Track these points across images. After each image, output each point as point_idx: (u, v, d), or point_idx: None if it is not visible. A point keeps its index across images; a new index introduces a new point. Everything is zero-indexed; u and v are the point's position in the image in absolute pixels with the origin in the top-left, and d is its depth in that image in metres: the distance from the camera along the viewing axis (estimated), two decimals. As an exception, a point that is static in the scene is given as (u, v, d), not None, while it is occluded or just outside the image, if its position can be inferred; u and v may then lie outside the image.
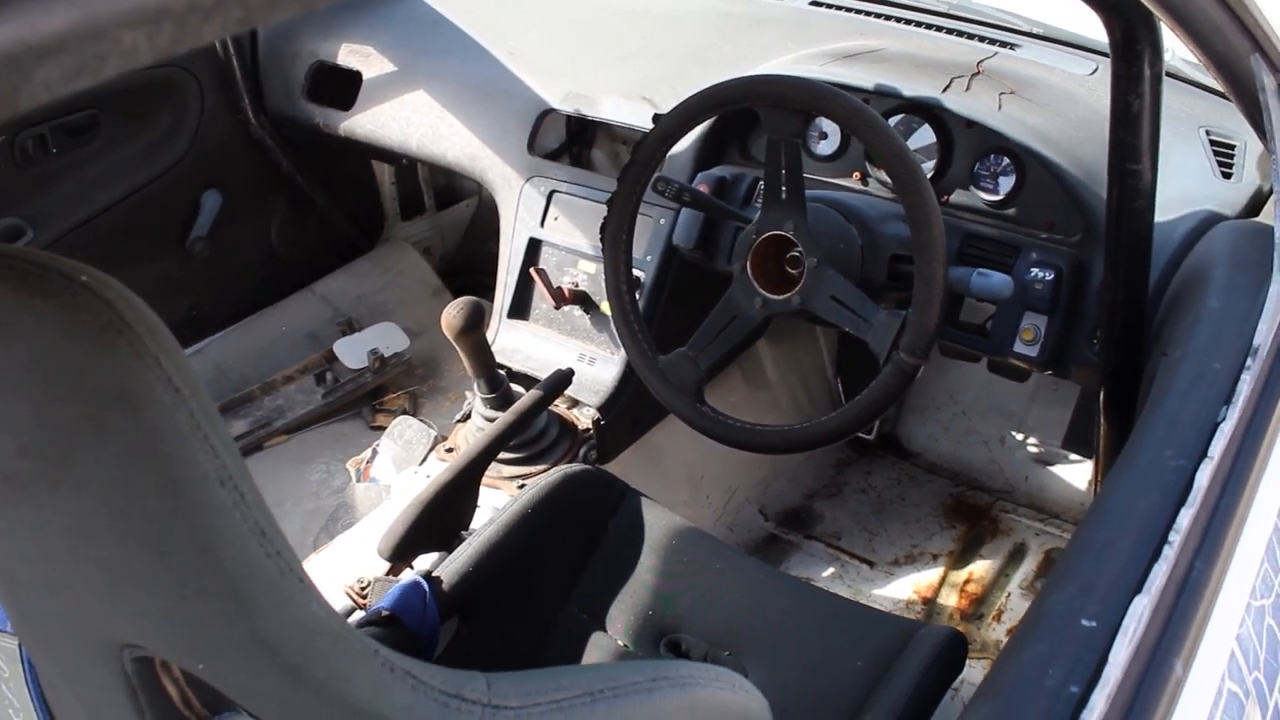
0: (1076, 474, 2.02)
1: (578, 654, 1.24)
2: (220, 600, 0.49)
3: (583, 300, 1.68)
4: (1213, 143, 1.43)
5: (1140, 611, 0.68)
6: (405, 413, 2.05)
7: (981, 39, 1.66)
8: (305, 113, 2.06)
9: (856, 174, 1.54)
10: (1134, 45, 0.98)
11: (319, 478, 1.99)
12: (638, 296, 1.54)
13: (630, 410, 1.68)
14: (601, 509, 1.34)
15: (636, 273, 1.61)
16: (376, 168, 2.41)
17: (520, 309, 1.75)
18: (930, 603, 1.87)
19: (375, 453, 1.82)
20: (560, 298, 1.67)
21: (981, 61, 1.53)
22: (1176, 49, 1.37)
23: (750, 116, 1.58)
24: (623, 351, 1.59)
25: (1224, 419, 0.86)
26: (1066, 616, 0.68)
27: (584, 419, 1.65)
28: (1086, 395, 1.89)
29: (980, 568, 1.92)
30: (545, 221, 1.73)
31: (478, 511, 1.38)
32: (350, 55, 2.02)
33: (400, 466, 1.76)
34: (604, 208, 1.42)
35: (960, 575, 1.91)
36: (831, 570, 1.95)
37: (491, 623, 1.23)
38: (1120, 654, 0.65)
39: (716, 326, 1.35)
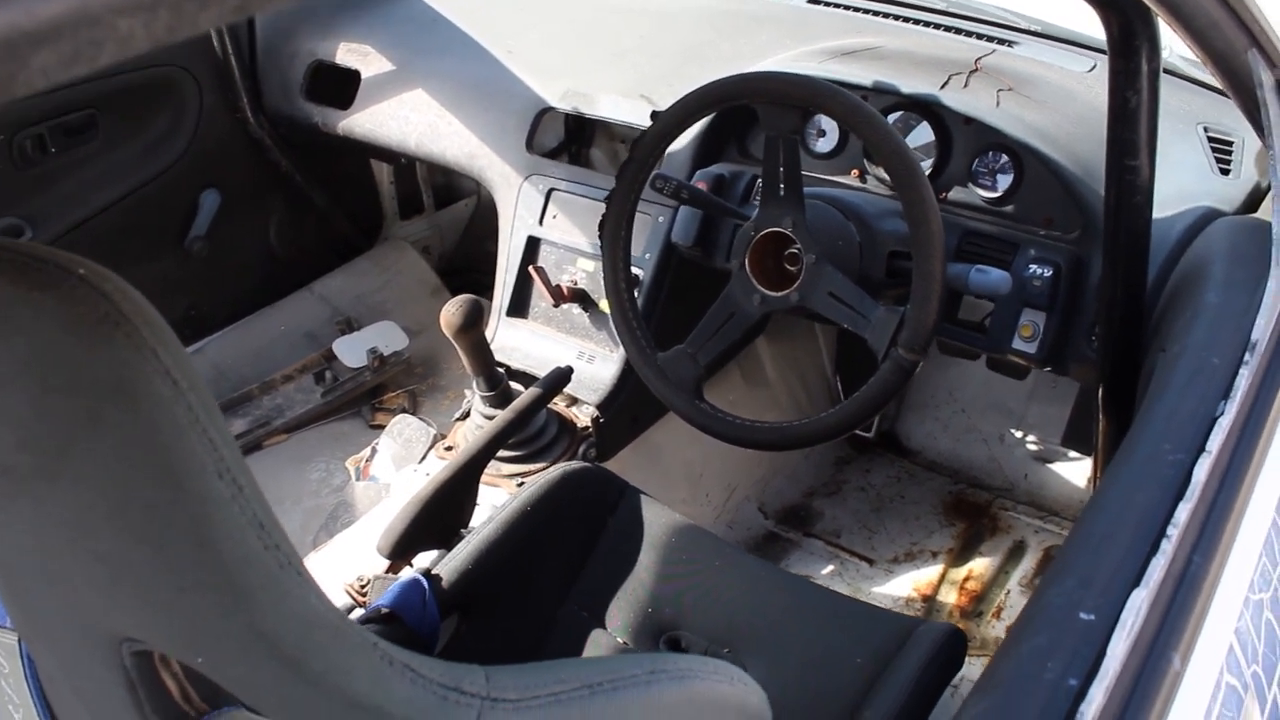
0: (1076, 471, 2.02)
1: (577, 651, 1.24)
2: (218, 593, 0.49)
3: (581, 298, 1.68)
4: (1211, 139, 1.43)
5: (1138, 605, 0.68)
6: (404, 411, 2.05)
7: (980, 36, 1.66)
8: (304, 112, 2.06)
9: (855, 171, 1.54)
10: (1131, 41, 0.98)
11: (318, 476, 1.99)
12: (636, 294, 1.54)
13: (629, 408, 1.68)
14: (601, 506, 1.34)
15: (635, 271, 1.61)
16: (375, 167, 2.41)
17: (519, 307, 1.75)
18: (930, 600, 1.87)
19: (374, 451, 1.82)
20: (559, 296, 1.67)
21: (980, 59, 1.53)
22: (1175, 46, 1.38)
23: (749, 114, 1.59)
24: (621, 349, 1.59)
25: (1222, 414, 0.86)
26: (1065, 610, 0.68)
27: (583, 417, 1.65)
28: (1085, 392, 1.89)
29: (980, 565, 1.92)
30: (544, 220, 1.73)
31: (477, 509, 1.38)
32: (349, 54, 2.02)
33: (400, 465, 1.76)
34: (602, 205, 1.42)
35: (960, 573, 1.91)
36: (831, 568, 1.95)
37: (491, 620, 1.23)
38: (1119, 647, 0.65)
39: (715, 323, 1.35)
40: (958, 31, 1.69)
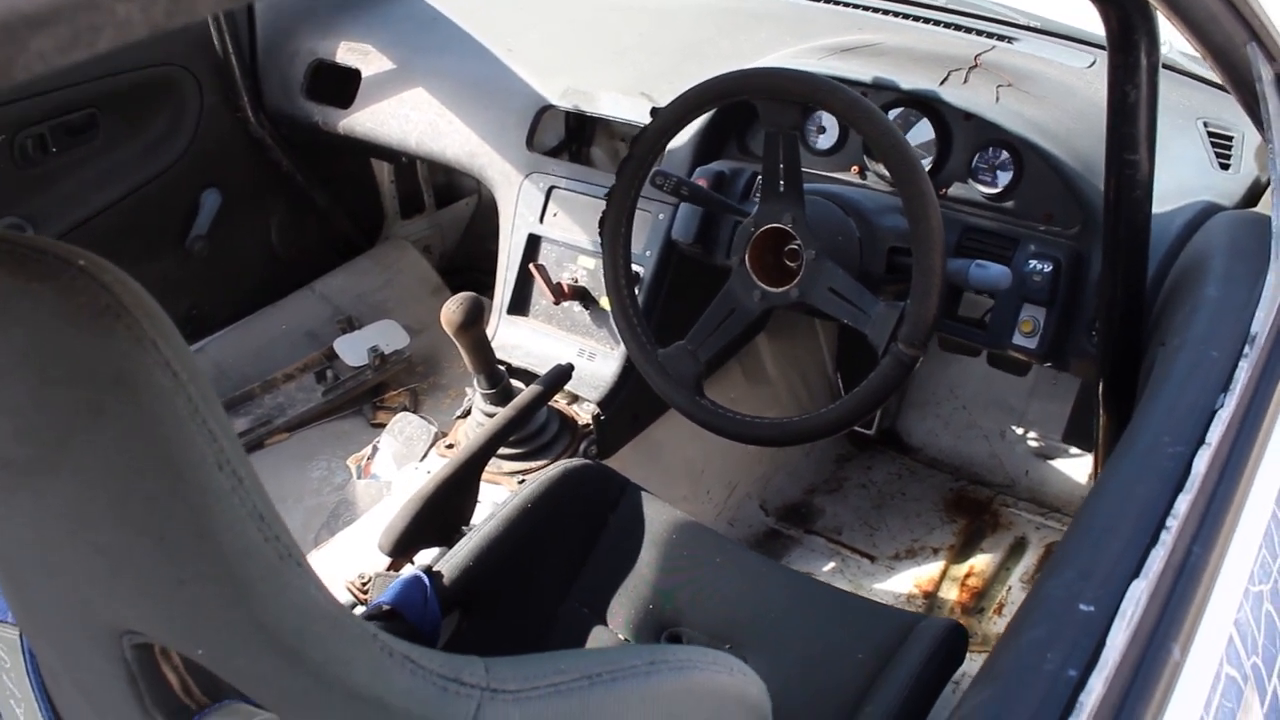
0: (1077, 467, 2.02)
1: (578, 647, 1.24)
2: (218, 585, 0.49)
3: (582, 296, 1.68)
4: (1210, 134, 1.43)
5: (1138, 596, 0.68)
6: (405, 410, 2.05)
7: (979, 33, 1.66)
8: (304, 111, 2.06)
9: (855, 168, 1.54)
10: (1130, 35, 0.98)
11: (320, 475, 1.99)
12: (637, 291, 1.55)
13: (630, 405, 1.69)
14: (602, 503, 1.34)
15: (636, 268, 1.61)
16: (376, 166, 2.42)
17: (520, 305, 1.75)
18: (931, 597, 1.87)
19: (376, 449, 1.82)
20: (560, 293, 1.67)
21: (979, 55, 1.54)
22: (1175, 41, 1.38)
23: (748, 111, 1.59)
24: (622, 347, 1.59)
25: (1222, 406, 0.86)
26: (1065, 601, 0.69)
27: (584, 414, 1.65)
28: (1086, 389, 1.89)
29: (981, 562, 1.92)
30: (544, 217, 1.73)
31: (478, 507, 1.38)
32: (349, 53, 2.02)
33: (401, 463, 1.76)
34: (603, 203, 1.42)
35: (961, 569, 1.91)
36: (832, 565, 1.95)
37: (492, 617, 1.24)
38: (1118, 638, 0.65)
39: (715, 320, 1.35)
40: (957, 28, 1.69)
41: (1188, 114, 1.46)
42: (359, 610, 1.26)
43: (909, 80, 1.47)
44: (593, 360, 1.67)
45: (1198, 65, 1.52)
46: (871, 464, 2.18)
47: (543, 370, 1.49)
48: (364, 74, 1.99)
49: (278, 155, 2.17)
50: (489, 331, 1.70)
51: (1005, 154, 1.41)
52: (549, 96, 1.76)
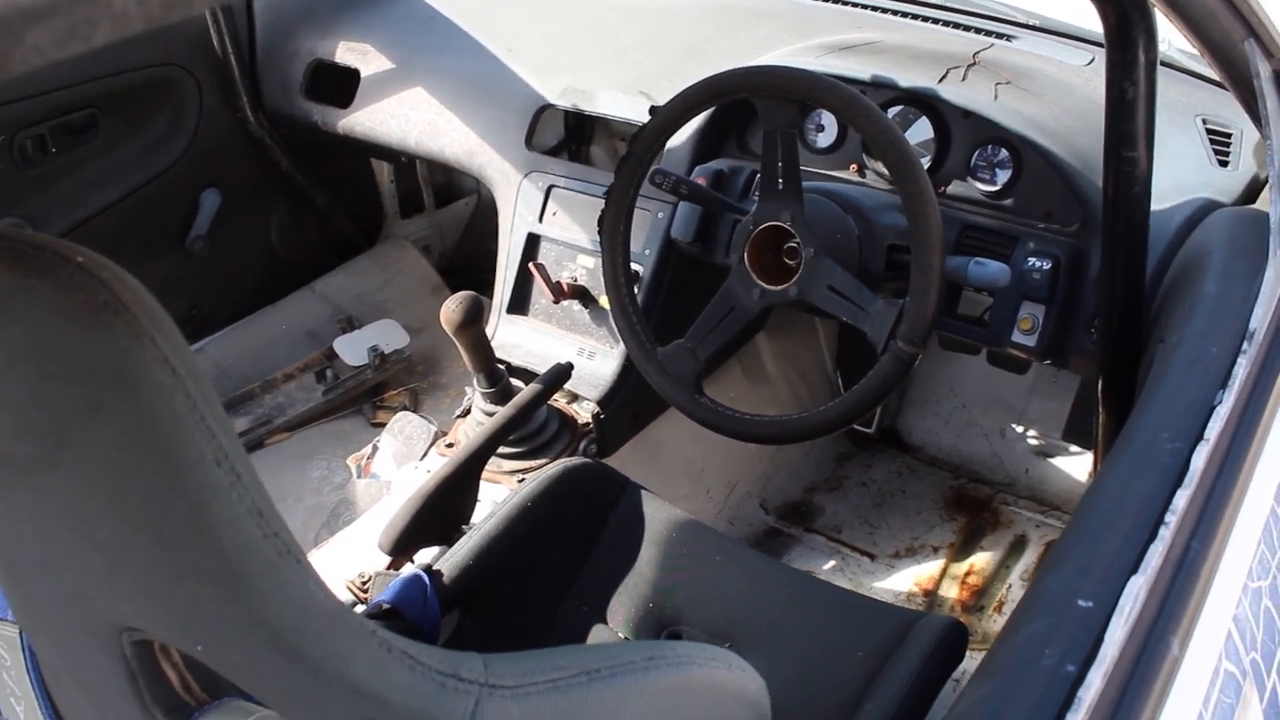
0: (1077, 465, 2.02)
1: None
2: (217, 581, 0.49)
3: (582, 295, 1.68)
4: (1209, 131, 1.43)
5: (1136, 591, 0.68)
6: (405, 409, 2.05)
7: (978, 31, 1.67)
8: (304, 111, 2.07)
9: (854, 166, 1.54)
10: (1128, 31, 0.98)
11: (320, 474, 1.99)
12: (636, 290, 1.55)
13: (630, 404, 1.69)
14: (602, 502, 1.34)
15: (635, 267, 1.61)
16: (375, 166, 2.42)
17: (519, 304, 1.75)
18: (931, 595, 1.87)
19: (376, 449, 1.82)
20: (559, 292, 1.67)
21: (978, 53, 1.54)
22: (1174, 39, 1.38)
23: (747, 109, 1.59)
24: (622, 345, 1.59)
25: (1220, 402, 0.86)
26: (1063, 597, 0.69)
27: (584, 413, 1.65)
28: (1086, 387, 1.89)
29: (981, 560, 1.92)
30: (544, 217, 1.73)
31: (478, 506, 1.38)
32: (348, 53, 2.02)
33: (401, 462, 1.76)
34: (602, 202, 1.42)
35: (961, 567, 1.91)
36: (832, 563, 1.95)
37: (492, 615, 1.24)
38: (1117, 633, 0.65)
39: (714, 318, 1.35)
40: (956, 26, 1.70)
41: (1186, 111, 1.46)
42: (359, 609, 1.26)
43: (907, 78, 1.47)
44: (592, 359, 1.67)
45: (1196, 62, 1.52)
46: (872, 462, 2.18)
47: (542, 369, 1.49)
48: (363, 74, 1.99)
49: (277, 155, 2.17)
50: (488, 330, 1.71)
51: (1004, 152, 1.41)
52: (548, 96, 1.76)
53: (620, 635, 1.24)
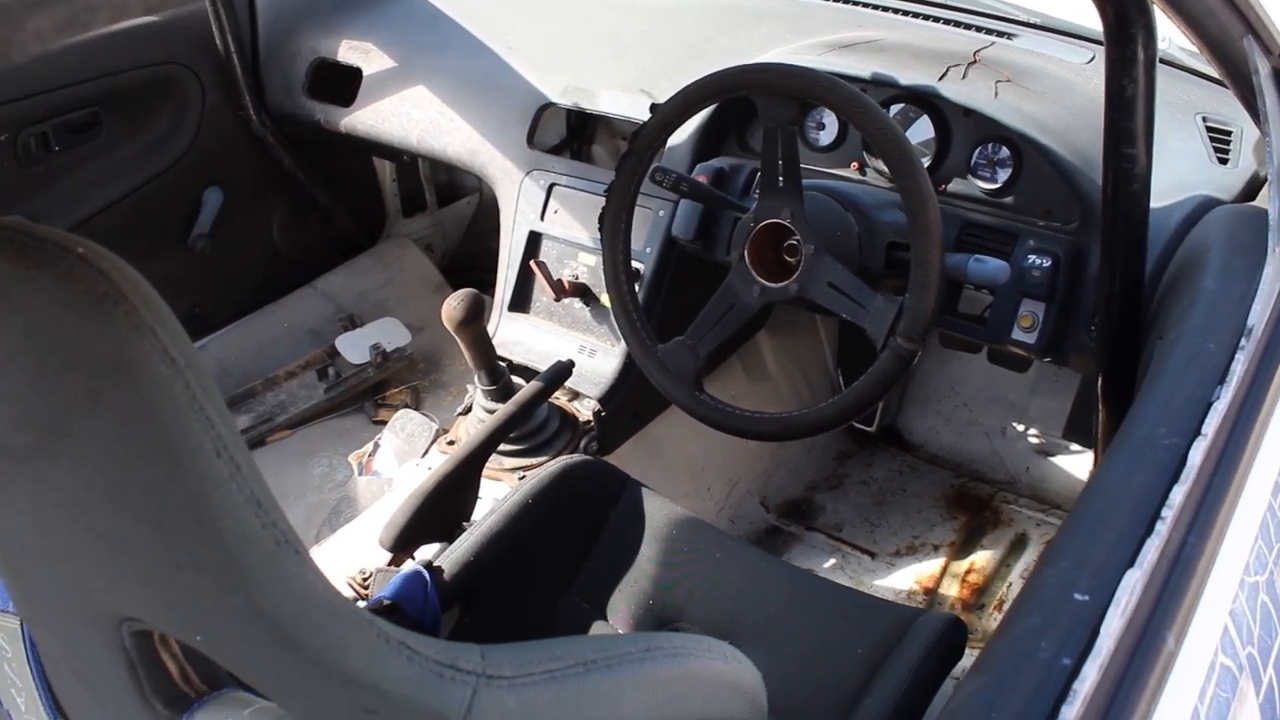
0: (1077, 464, 2.02)
1: (578, 642, 1.24)
2: (216, 570, 0.49)
3: (583, 293, 1.68)
4: (1209, 129, 1.43)
5: (1132, 585, 0.68)
6: (407, 407, 2.06)
7: (978, 29, 1.67)
8: (306, 110, 2.07)
9: (854, 164, 1.54)
10: (1127, 29, 0.98)
11: (321, 472, 2.00)
12: (637, 288, 1.55)
13: (631, 402, 1.69)
14: (602, 499, 1.35)
15: (636, 265, 1.61)
16: (378, 164, 2.42)
17: (521, 302, 1.76)
18: (931, 593, 1.87)
19: (377, 446, 1.82)
20: (560, 290, 1.67)
21: (978, 51, 1.54)
22: (1173, 37, 1.38)
23: (748, 107, 1.59)
24: (623, 343, 1.59)
25: (1218, 398, 0.86)
26: (1059, 590, 0.69)
27: (585, 411, 1.66)
28: (1087, 385, 1.89)
29: (981, 558, 1.92)
30: (545, 215, 1.74)
31: (479, 503, 1.38)
32: (350, 52, 2.03)
33: (402, 459, 1.77)
34: (603, 200, 1.42)
35: (961, 566, 1.91)
36: (833, 561, 1.95)
37: (493, 611, 1.24)
38: (1112, 626, 0.65)
39: (715, 315, 1.35)
40: (957, 24, 1.70)
41: (1186, 109, 1.46)
42: (360, 605, 1.26)
43: (908, 76, 1.47)
44: (593, 357, 1.67)
45: (1197, 60, 1.52)
46: (872, 461, 2.18)
47: (543, 367, 1.49)
48: (365, 72, 2.00)
49: (279, 153, 2.18)
50: (490, 328, 1.71)
51: (1004, 150, 1.41)
52: (549, 94, 1.77)
53: (620, 632, 1.24)
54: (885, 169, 1.48)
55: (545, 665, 0.55)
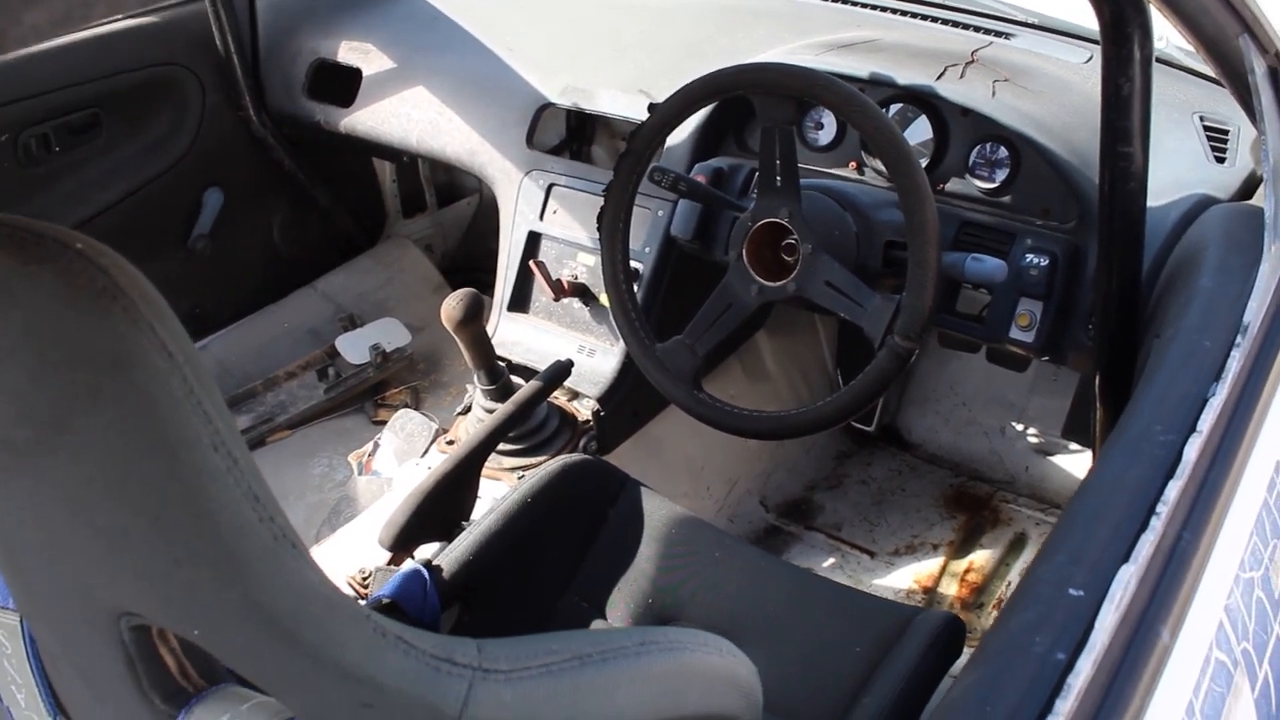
0: (1077, 463, 2.03)
1: (577, 640, 1.25)
2: (214, 564, 0.49)
3: (582, 292, 1.69)
4: (1206, 128, 1.44)
5: (1127, 580, 0.68)
6: (407, 407, 2.06)
7: (976, 29, 1.67)
8: (306, 110, 2.08)
9: (853, 163, 1.55)
10: (1123, 28, 0.98)
11: (321, 471, 2.00)
12: (636, 288, 1.55)
13: (630, 402, 1.69)
14: (601, 498, 1.35)
15: (635, 265, 1.61)
16: (378, 165, 2.43)
17: (520, 302, 1.76)
18: (931, 592, 1.87)
19: (377, 446, 1.83)
20: (560, 290, 1.68)
21: (976, 51, 1.54)
22: (1171, 36, 1.38)
23: (746, 107, 1.59)
24: (622, 343, 1.60)
25: (1213, 395, 0.86)
26: (1054, 585, 0.69)
27: (584, 410, 1.66)
28: (1085, 384, 1.89)
29: (981, 557, 1.92)
30: (544, 215, 1.74)
31: (478, 502, 1.39)
32: (350, 53, 2.03)
33: (402, 459, 1.77)
34: (602, 200, 1.43)
35: (961, 565, 1.91)
36: (832, 560, 1.95)
37: (492, 610, 1.24)
38: (1106, 621, 0.66)
39: (713, 314, 1.35)
40: (954, 24, 1.70)
41: (1184, 108, 1.47)
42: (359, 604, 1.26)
43: (905, 76, 1.47)
44: (592, 356, 1.67)
45: (1194, 60, 1.52)
46: (871, 460, 2.18)
47: (542, 366, 1.50)
48: (365, 73, 2.00)
49: (279, 154, 2.18)
50: (489, 328, 1.71)
51: (1002, 149, 1.41)
52: (549, 95, 1.77)
53: (619, 630, 1.25)
54: (883, 168, 1.48)
55: (541, 659, 0.55)
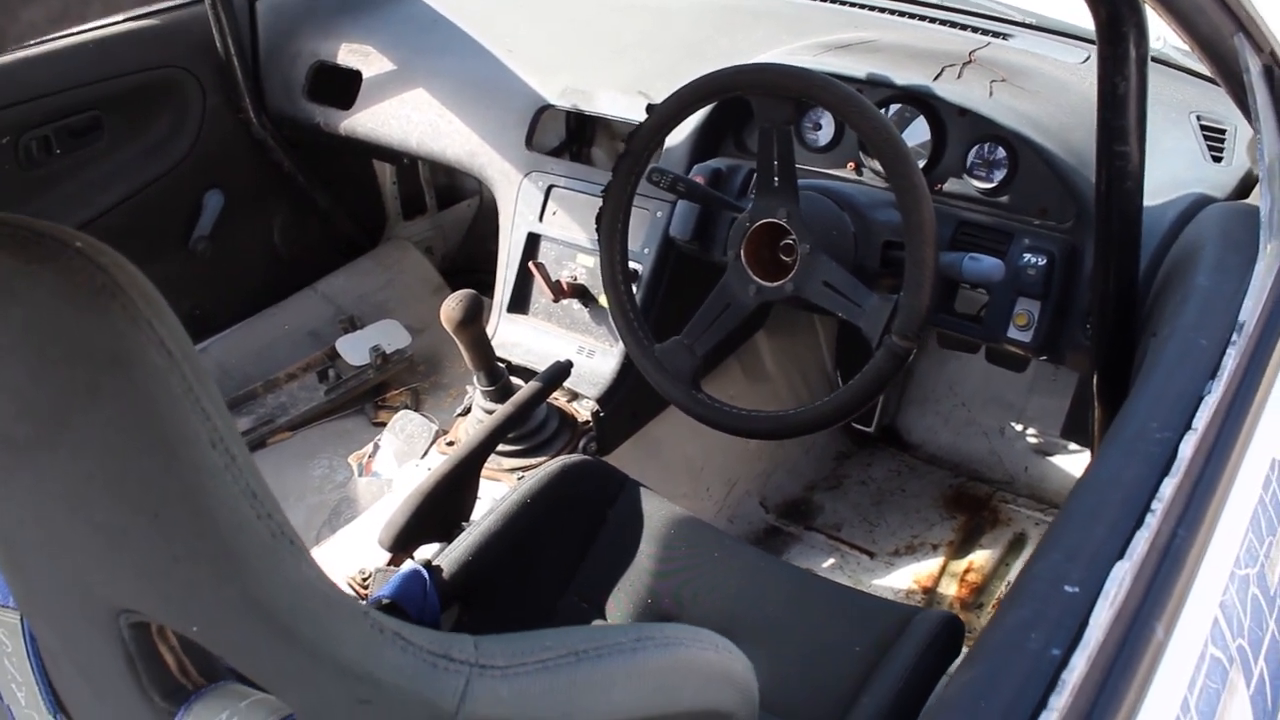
0: (1076, 463, 2.03)
1: (576, 640, 1.25)
2: (212, 561, 0.50)
3: (581, 294, 1.69)
4: (1203, 127, 1.44)
5: (1121, 576, 0.69)
6: (407, 408, 2.06)
7: (973, 29, 1.68)
8: (306, 112, 2.08)
9: (851, 164, 1.55)
10: (1119, 27, 0.99)
11: (321, 473, 2.00)
12: (635, 290, 1.55)
13: (629, 402, 1.70)
14: (601, 498, 1.35)
15: (634, 265, 1.62)
16: (378, 167, 2.43)
17: (520, 303, 1.76)
18: (930, 592, 1.87)
19: (377, 447, 1.83)
20: (559, 291, 1.68)
21: (973, 51, 1.55)
22: (1167, 36, 1.39)
23: (745, 108, 1.59)
24: (621, 344, 1.60)
25: (1209, 392, 0.86)
26: (1050, 582, 0.69)
27: (583, 411, 1.66)
28: (1084, 384, 1.89)
29: (980, 557, 1.92)
30: (544, 216, 1.74)
31: (478, 503, 1.39)
32: (350, 55, 2.04)
33: (402, 460, 1.77)
34: (601, 201, 1.43)
35: (960, 565, 1.91)
36: (832, 561, 1.95)
37: (491, 611, 1.24)
38: (1102, 617, 0.66)
39: (711, 314, 1.36)
40: (952, 25, 1.71)
41: (1180, 107, 1.47)
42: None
43: (903, 76, 1.48)
44: (592, 357, 1.68)
45: (1190, 59, 1.52)
46: (871, 461, 2.18)
47: (542, 367, 1.50)
48: (365, 75, 2.00)
49: (280, 156, 2.18)
50: (489, 330, 1.72)
51: (1000, 149, 1.42)
52: (548, 96, 1.78)
53: (618, 630, 1.25)
54: (881, 169, 1.48)
55: (537, 655, 0.56)
